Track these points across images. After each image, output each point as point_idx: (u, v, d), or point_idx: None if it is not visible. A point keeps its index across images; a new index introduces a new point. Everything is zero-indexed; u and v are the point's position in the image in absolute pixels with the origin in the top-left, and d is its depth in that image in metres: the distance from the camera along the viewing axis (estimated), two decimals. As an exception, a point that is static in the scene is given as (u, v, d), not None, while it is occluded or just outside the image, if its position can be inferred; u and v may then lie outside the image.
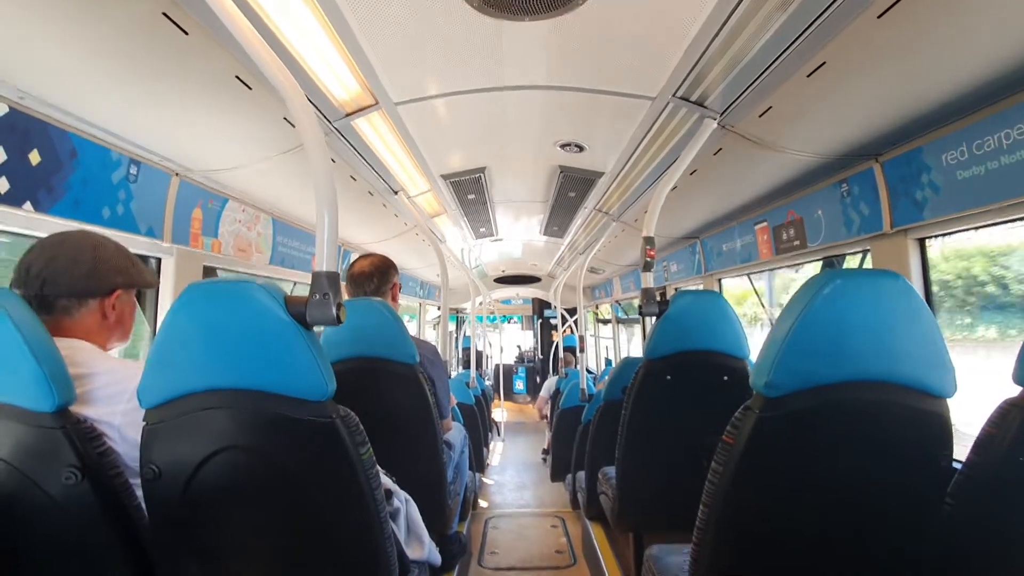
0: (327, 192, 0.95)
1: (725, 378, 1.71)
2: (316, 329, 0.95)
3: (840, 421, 0.98)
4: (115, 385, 1.04)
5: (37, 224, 1.41)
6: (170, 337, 0.93)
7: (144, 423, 0.95)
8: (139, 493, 0.99)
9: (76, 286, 1.09)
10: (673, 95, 1.72)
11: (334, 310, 0.91)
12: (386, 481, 1.34)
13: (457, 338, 8.86)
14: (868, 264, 2.06)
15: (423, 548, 1.39)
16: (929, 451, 1.01)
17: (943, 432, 1.01)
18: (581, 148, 2.45)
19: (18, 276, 1.08)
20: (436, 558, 1.43)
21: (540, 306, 9.92)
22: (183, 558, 1.00)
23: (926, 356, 0.98)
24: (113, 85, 1.35)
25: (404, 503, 1.38)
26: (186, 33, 1.18)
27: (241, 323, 0.91)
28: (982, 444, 0.89)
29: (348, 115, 1.82)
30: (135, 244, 1.77)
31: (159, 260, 1.94)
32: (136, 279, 1.19)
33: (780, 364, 0.94)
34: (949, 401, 1.01)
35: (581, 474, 3.03)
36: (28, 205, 1.36)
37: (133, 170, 1.70)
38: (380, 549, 1.01)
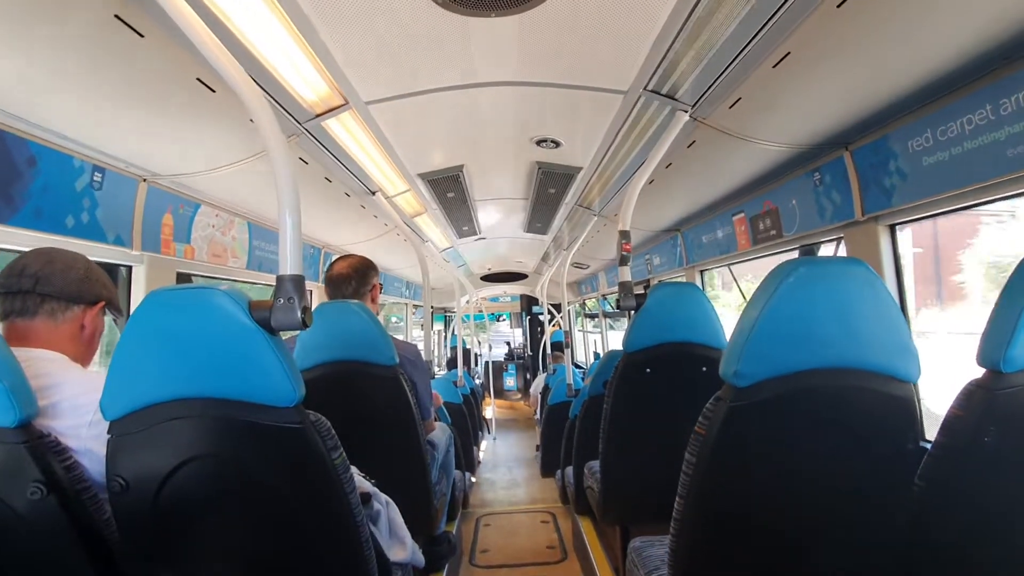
0: (290, 194, 0.94)
1: (704, 369, 1.72)
2: (290, 334, 0.94)
3: (809, 408, 0.99)
4: (82, 396, 1.02)
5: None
6: (132, 346, 0.91)
7: (108, 435, 0.93)
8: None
9: (69, 288, 1.13)
10: (644, 88, 1.72)
11: (299, 314, 0.89)
12: (364, 484, 1.33)
13: (446, 337, 8.82)
14: (843, 252, 2.08)
15: (406, 550, 1.38)
16: (897, 435, 1.02)
17: (910, 415, 1.03)
18: (557, 144, 2.44)
19: (6, 276, 1.09)
20: (420, 559, 1.43)
21: (528, 303, 9.92)
22: (156, 571, 0.98)
23: (891, 341, 1.00)
24: (71, 91, 1.31)
25: (385, 506, 1.37)
26: (141, 36, 1.15)
27: (204, 330, 0.89)
28: (949, 426, 0.91)
29: (318, 116, 1.80)
30: (103, 253, 1.74)
31: (129, 269, 1.90)
32: (116, 300, 1.24)
33: (748, 353, 0.95)
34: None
35: (570, 469, 3.04)
36: (-15, 217, 1.33)
37: (97, 177, 1.66)
38: (358, 553, 1.01)
